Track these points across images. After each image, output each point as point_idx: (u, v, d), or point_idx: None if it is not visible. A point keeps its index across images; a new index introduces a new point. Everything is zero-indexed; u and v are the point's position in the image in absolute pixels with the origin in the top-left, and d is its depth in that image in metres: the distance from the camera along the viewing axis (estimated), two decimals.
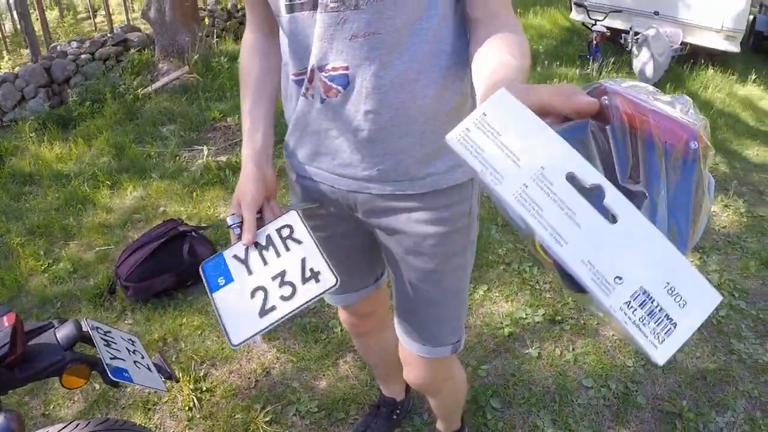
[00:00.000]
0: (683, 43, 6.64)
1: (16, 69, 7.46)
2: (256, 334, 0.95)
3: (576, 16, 7.64)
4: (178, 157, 4.30)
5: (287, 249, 1.05)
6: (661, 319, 0.48)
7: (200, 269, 1.05)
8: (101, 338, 1.36)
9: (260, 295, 0.99)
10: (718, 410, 2.32)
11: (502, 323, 2.68)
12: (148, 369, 1.45)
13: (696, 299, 0.48)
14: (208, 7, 8.20)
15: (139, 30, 8.16)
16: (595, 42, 6.10)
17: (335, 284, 1.01)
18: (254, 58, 1.23)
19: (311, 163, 1.22)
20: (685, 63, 6.66)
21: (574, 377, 2.42)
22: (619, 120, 0.57)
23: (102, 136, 4.82)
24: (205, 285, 1.02)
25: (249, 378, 2.41)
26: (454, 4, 1.03)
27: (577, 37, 8.54)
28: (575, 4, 7.42)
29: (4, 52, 20.93)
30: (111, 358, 1.31)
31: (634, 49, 6.13)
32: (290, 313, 0.97)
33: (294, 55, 1.11)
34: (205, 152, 4.25)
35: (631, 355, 2.53)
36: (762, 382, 2.46)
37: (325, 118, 1.11)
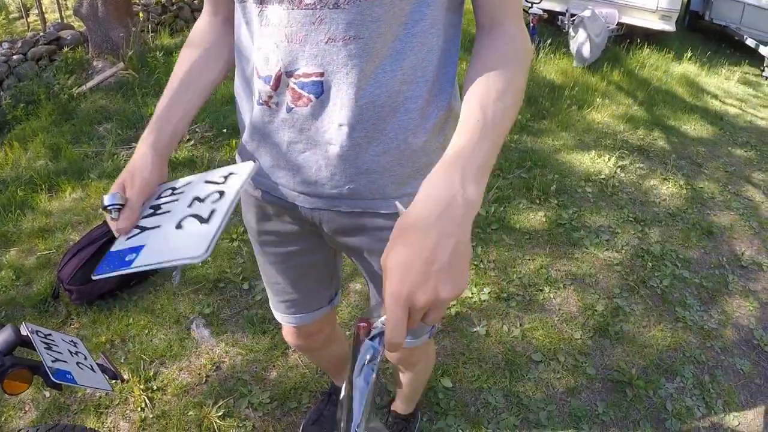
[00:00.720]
0: (619, 24, 6.77)
1: None
2: (215, 236, 0.82)
3: None
4: (116, 156, 4.20)
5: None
6: None
7: (93, 277, 0.93)
8: (41, 341, 1.34)
9: (190, 219, 0.88)
10: (667, 377, 2.40)
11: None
12: (92, 370, 1.43)
13: None
14: (142, 2, 8.00)
15: (72, 27, 7.92)
16: (532, 24, 6.16)
17: (254, 166, 0.92)
18: (200, 44, 1.11)
19: (268, 177, 1.11)
20: (622, 43, 6.79)
21: (523, 352, 2.46)
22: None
23: (38, 139, 4.67)
24: (115, 274, 0.88)
25: (199, 374, 2.38)
26: (445, 11, 0.93)
27: None
28: None
29: None
30: (53, 361, 1.29)
31: (570, 30, 6.21)
32: (233, 203, 0.86)
33: (256, 54, 0.98)
34: None
35: (579, 328, 2.59)
36: (708, 347, 2.55)
37: (291, 130, 0.99)
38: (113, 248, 0.91)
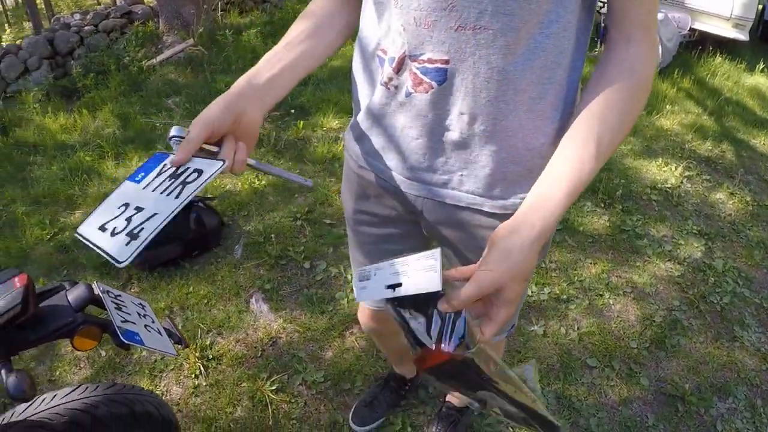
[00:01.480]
0: (692, 30, 6.60)
1: (19, 41, 7.41)
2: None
3: None
4: None
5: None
6: None
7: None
8: (112, 301, 1.36)
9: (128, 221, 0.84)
10: (719, 396, 2.34)
11: None
12: (159, 333, 1.45)
13: None
14: None
15: (142, 2, 8.10)
16: (603, 24, 6.05)
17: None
18: (313, 16, 1.06)
19: (376, 158, 1.09)
20: (694, 50, 6.62)
21: (579, 356, 2.43)
22: None
23: (106, 107, 4.80)
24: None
25: (255, 347, 2.42)
26: (579, 14, 0.89)
27: None
28: None
29: (6, 25, 20.75)
30: (122, 321, 1.31)
31: None
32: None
33: (382, 34, 0.96)
34: None
35: (636, 337, 2.54)
36: (764, 370, 2.48)
37: (406, 115, 0.97)
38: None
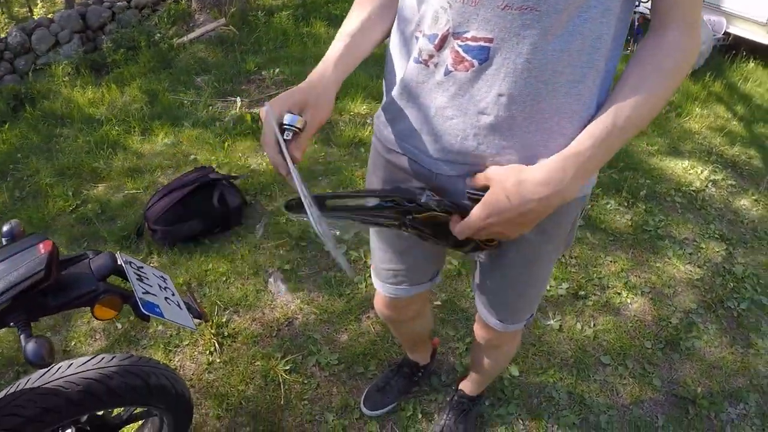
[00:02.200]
0: (726, 33, 6.49)
1: (51, 15, 7.48)
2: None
3: None
4: (211, 107, 4.30)
5: None
6: None
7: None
8: (134, 273, 1.38)
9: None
10: (731, 401, 2.32)
11: None
12: (179, 306, 1.47)
13: None
14: None
15: None
16: (637, 23, 5.97)
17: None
18: (370, 3, 1.10)
19: (408, 140, 1.10)
20: (727, 53, 6.51)
21: (593, 353, 2.42)
22: None
23: (135, 83, 4.83)
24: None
25: (271, 327, 2.44)
26: (618, 2, 0.90)
27: None
28: None
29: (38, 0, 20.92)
30: (143, 293, 1.33)
31: None
32: None
33: (425, 9, 0.96)
34: (239, 103, 4.25)
35: (651, 337, 2.53)
36: None
37: (444, 94, 0.97)
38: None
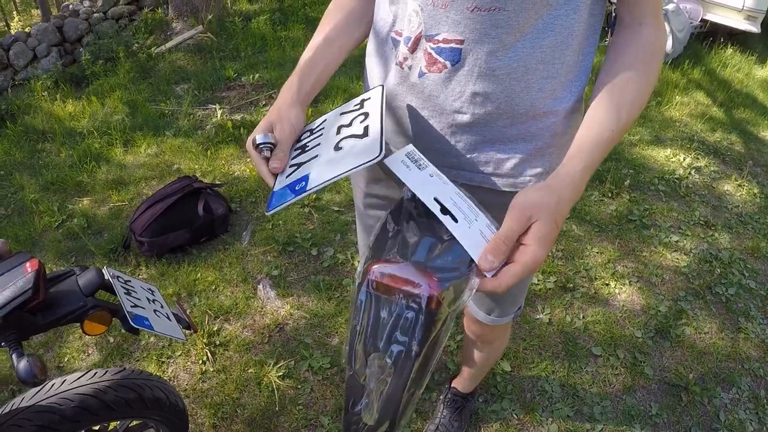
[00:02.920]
0: (703, 21, 6.55)
1: (28, 29, 7.41)
2: (382, 139, 0.82)
3: None
4: (192, 116, 4.29)
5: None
6: None
7: (268, 212, 0.90)
8: (122, 286, 1.37)
9: (346, 140, 0.88)
10: (723, 386, 2.34)
11: None
12: (168, 318, 1.46)
13: None
14: None
15: None
16: (614, 15, 6.01)
17: (384, 88, 0.95)
18: (344, 6, 1.11)
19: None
20: (705, 41, 6.57)
21: (584, 345, 2.44)
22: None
23: (115, 95, 4.80)
24: (291, 202, 0.86)
25: (262, 333, 2.44)
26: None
27: None
28: None
29: (14, 13, 20.75)
30: (132, 306, 1.32)
31: None
32: (382, 117, 0.88)
33: (400, 13, 0.98)
34: (219, 112, 4.23)
35: (641, 326, 2.55)
36: None
37: (418, 96, 0.99)
38: (276, 188, 0.91)
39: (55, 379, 1.37)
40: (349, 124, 0.92)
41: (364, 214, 1.34)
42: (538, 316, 2.54)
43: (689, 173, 3.81)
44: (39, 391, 1.33)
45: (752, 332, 2.60)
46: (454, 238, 0.77)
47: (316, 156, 0.89)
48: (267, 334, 2.44)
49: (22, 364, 1.12)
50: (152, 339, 2.41)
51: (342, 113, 0.97)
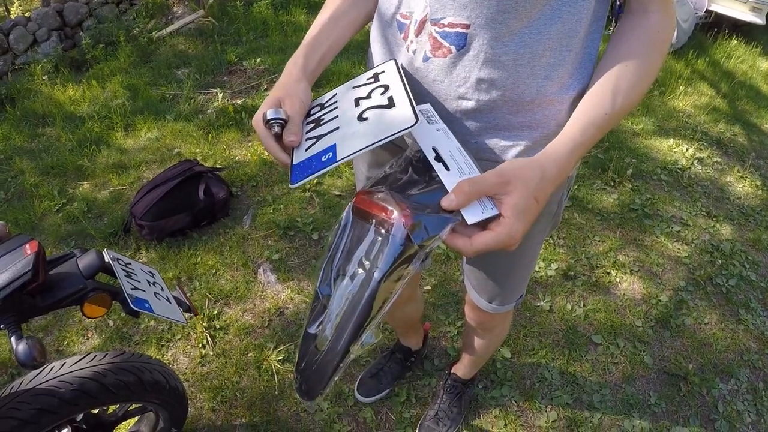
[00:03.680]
0: (708, 11, 6.51)
1: (28, 13, 7.37)
2: (413, 106, 0.82)
3: None
4: (193, 100, 4.27)
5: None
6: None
7: (291, 186, 0.88)
8: (122, 269, 1.37)
9: (370, 111, 0.88)
10: (722, 377, 2.34)
11: None
12: (168, 301, 1.46)
13: None
14: None
15: None
16: (618, 3, 5.98)
17: (397, 62, 0.95)
18: None
19: None
20: (709, 31, 6.54)
21: (584, 333, 2.44)
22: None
23: (116, 79, 4.78)
24: (318, 175, 0.84)
25: (262, 317, 2.43)
26: None
27: None
28: None
29: None
30: (132, 289, 1.32)
31: None
32: (406, 87, 0.88)
33: (403, 1, 0.97)
34: (220, 96, 4.21)
35: (641, 316, 2.54)
36: (767, 353, 2.48)
37: (423, 80, 0.97)
38: (296, 161, 0.89)
39: (54, 363, 1.37)
40: (368, 96, 0.90)
41: None
42: (538, 304, 2.54)
43: (692, 164, 3.79)
44: (38, 374, 1.33)
45: (752, 324, 2.60)
46: (442, 184, 0.78)
47: (337, 128, 0.88)
48: (267, 318, 2.43)
49: (21, 347, 1.12)
50: (152, 323, 2.41)
51: (354, 86, 0.96)
